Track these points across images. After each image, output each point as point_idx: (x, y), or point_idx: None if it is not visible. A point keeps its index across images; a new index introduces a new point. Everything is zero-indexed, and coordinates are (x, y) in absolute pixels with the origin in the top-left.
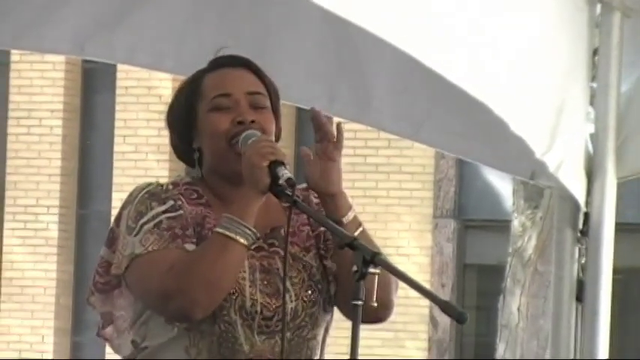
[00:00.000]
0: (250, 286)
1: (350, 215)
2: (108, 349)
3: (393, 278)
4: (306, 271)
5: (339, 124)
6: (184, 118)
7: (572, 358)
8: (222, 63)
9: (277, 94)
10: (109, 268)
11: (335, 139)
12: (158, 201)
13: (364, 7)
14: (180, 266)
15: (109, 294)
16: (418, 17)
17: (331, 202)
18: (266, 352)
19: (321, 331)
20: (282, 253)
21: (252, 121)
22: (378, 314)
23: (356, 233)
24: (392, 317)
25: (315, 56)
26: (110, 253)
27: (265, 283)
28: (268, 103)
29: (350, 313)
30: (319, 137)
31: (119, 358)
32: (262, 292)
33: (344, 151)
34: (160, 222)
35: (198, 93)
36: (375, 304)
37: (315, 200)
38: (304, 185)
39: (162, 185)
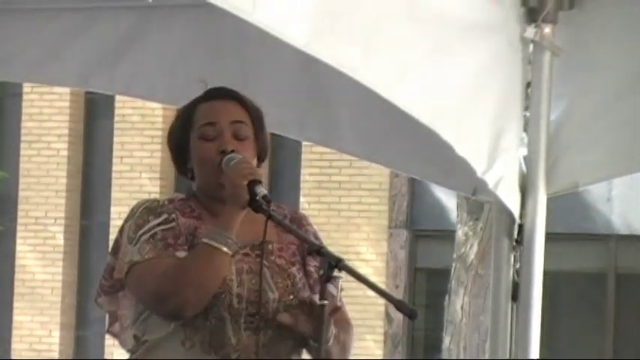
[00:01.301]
0: (238, 287)
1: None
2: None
3: (350, 339)
4: (290, 279)
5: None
6: (179, 142)
7: (508, 349)
8: (213, 95)
9: (261, 120)
10: (113, 273)
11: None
12: (154, 215)
13: (330, 46)
14: (172, 272)
15: (114, 295)
16: (376, 56)
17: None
18: (251, 346)
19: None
20: (265, 262)
21: (233, 151)
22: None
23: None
24: (352, 314)
25: (288, 89)
26: (114, 260)
27: (250, 284)
28: (250, 132)
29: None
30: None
31: (118, 358)
32: (248, 292)
33: (312, 170)
34: (155, 233)
35: (190, 121)
36: (340, 304)
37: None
38: (293, 209)
39: (158, 201)
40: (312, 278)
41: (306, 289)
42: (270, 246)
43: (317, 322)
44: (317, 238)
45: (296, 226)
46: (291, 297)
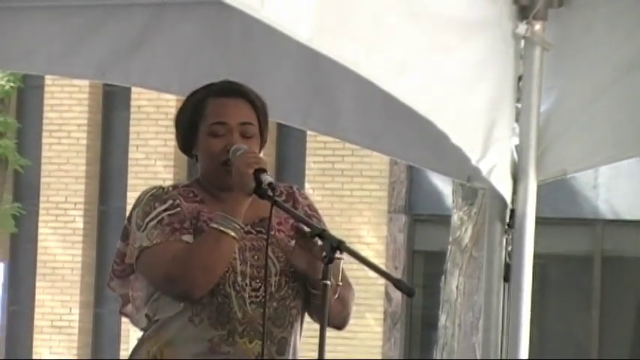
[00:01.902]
0: (241, 264)
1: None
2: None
3: (351, 295)
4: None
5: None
6: (187, 130)
7: (500, 326)
8: (225, 92)
9: (266, 117)
10: (124, 258)
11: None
12: (160, 201)
13: (333, 42)
14: (181, 255)
15: (126, 279)
16: (376, 50)
17: (313, 282)
18: (256, 319)
19: (301, 303)
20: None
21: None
22: (339, 321)
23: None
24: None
25: (293, 81)
26: (124, 245)
27: (253, 261)
28: (256, 131)
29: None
30: (299, 237)
31: (133, 336)
32: (251, 268)
33: (316, 158)
34: (162, 219)
35: (201, 114)
36: (340, 283)
37: (304, 202)
38: (288, 186)
39: (163, 188)
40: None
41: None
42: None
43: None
44: (312, 209)
45: (291, 201)
46: (292, 269)
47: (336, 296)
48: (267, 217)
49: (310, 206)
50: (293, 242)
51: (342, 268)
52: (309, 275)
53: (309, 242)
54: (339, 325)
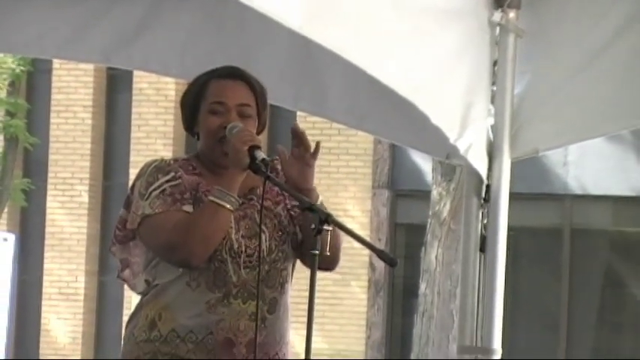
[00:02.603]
0: (235, 232)
1: (318, 203)
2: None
3: (340, 239)
4: (276, 218)
5: (318, 143)
6: (191, 109)
7: (476, 294)
8: (226, 74)
9: (264, 100)
10: (125, 225)
11: (313, 151)
12: (163, 173)
13: (322, 29)
14: (181, 225)
15: (127, 244)
16: (362, 37)
17: (306, 194)
18: (250, 281)
19: (291, 264)
20: (258, 206)
21: None
22: (329, 264)
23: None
24: (340, 263)
25: (285, 66)
26: (126, 213)
27: (246, 228)
28: (253, 112)
29: (309, 260)
30: (297, 145)
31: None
32: (244, 237)
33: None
34: (164, 189)
35: (203, 95)
36: (328, 253)
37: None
38: (275, 157)
39: (165, 161)
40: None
41: (291, 223)
42: (258, 191)
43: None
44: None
45: (274, 174)
46: (280, 233)
47: (328, 249)
48: (256, 186)
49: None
50: (279, 208)
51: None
52: (299, 184)
53: (302, 150)
54: (330, 268)
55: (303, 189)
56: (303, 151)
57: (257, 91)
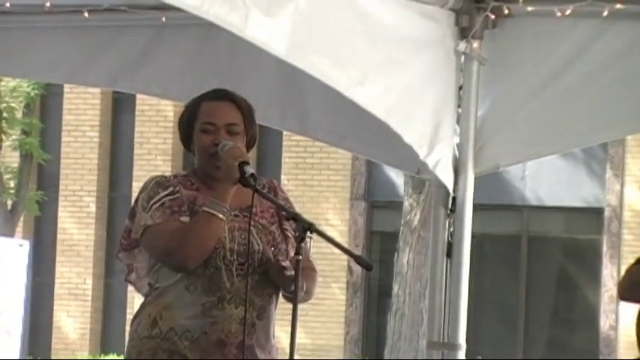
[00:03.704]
0: (230, 242)
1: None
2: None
3: (315, 278)
4: (270, 235)
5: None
6: (186, 129)
7: (443, 294)
8: (215, 96)
9: (252, 118)
10: (130, 234)
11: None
12: (163, 188)
13: (305, 57)
14: (178, 233)
15: (131, 252)
16: (341, 64)
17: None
18: (241, 288)
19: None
20: (252, 221)
21: None
22: (304, 299)
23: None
24: (320, 267)
25: (272, 89)
26: (131, 223)
27: (240, 239)
28: (241, 129)
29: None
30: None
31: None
32: (238, 246)
33: (290, 154)
34: (164, 202)
35: (195, 115)
36: (310, 261)
37: (282, 195)
38: (270, 180)
39: (166, 177)
40: (288, 237)
41: (284, 242)
42: (254, 209)
43: (284, 277)
44: (287, 200)
45: (272, 193)
46: (272, 248)
47: (304, 291)
48: (255, 205)
49: (287, 199)
50: (273, 227)
51: (311, 262)
52: (279, 286)
53: (281, 272)
54: (305, 300)
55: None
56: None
57: (244, 110)
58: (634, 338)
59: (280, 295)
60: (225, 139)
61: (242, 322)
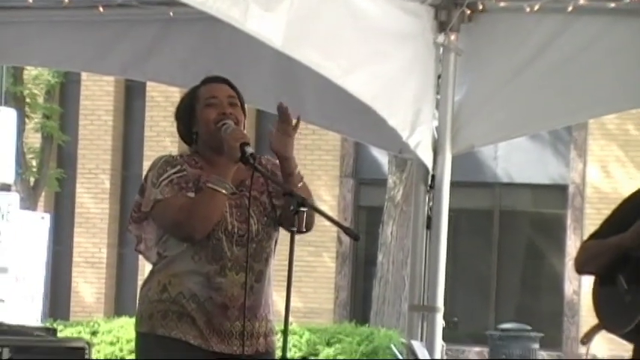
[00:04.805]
0: (230, 216)
1: (296, 171)
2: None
3: (315, 215)
4: (262, 205)
5: (298, 118)
6: (188, 113)
7: (423, 263)
8: (211, 80)
9: (243, 100)
10: (140, 208)
11: (293, 124)
12: (171, 166)
13: (300, 48)
14: (185, 207)
15: (141, 224)
16: (332, 55)
17: (286, 162)
18: (241, 257)
19: (273, 242)
20: (248, 196)
21: (230, 113)
22: (308, 227)
23: (300, 184)
24: (312, 238)
25: (269, 77)
26: (141, 198)
27: (238, 214)
28: (239, 103)
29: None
30: (281, 120)
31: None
32: (237, 220)
33: None
34: (172, 179)
35: (196, 98)
36: (304, 230)
37: (270, 167)
38: (266, 156)
39: (173, 156)
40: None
41: (273, 208)
42: (247, 182)
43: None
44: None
45: (270, 170)
46: (265, 218)
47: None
48: (245, 179)
49: (274, 164)
50: (263, 197)
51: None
52: (281, 152)
53: (285, 124)
54: (307, 230)
55: (284, 157)
56: (285, 125)
57: (236, 89)
58: None
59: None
60: (228, 109)
61: (243, 287)
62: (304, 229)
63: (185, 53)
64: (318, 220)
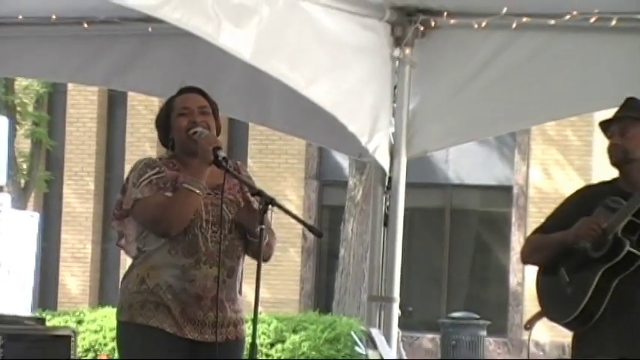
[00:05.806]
0: (205, 214)
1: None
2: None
3: (274, 241)
4: (238, 206)
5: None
6: (164, 121)
7: (381, 257)
8: (186, 90)
9: (216, 107)
10: (121, 206)
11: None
12: (151, 168)
13: (267, 60)
14: (163, 205)
15: (122, 220)
16: (296, 67)
17: (250, 227)
18: (215, 252)
19: (244, 242)
20: (222, 198)
21: (202, 121)
22: (266, 258)
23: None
24: (280, 234)
25: (239, 88)
26: (122, 197)
27: (213, 213)
28: (210, 111)
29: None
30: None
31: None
32: (212, 217)
33: (255, 141)
34: (151, 180)
35: (171, 108)
36: (271, 228)
37: (245, 173)
38: (235, 161)
39: (153, 159)
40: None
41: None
42: (222, 186)
43: (253, 216)
44: (249, 178)
45: (237, 171)
46: (238, 219)
47: (266, 242)
48: (220, 183)
49: (249, 177)
50: (238, 196)
51: (270, 227)
52: (248, 227)
53: (251, 207)
54: (266, 259)
55: (252, 231)
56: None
57: (209, 98)
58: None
59: (246, 255)
60: (199, 118)
61: (216, 280)
62: (264, 260)
63: (163, 65)
64: (285, 217)
